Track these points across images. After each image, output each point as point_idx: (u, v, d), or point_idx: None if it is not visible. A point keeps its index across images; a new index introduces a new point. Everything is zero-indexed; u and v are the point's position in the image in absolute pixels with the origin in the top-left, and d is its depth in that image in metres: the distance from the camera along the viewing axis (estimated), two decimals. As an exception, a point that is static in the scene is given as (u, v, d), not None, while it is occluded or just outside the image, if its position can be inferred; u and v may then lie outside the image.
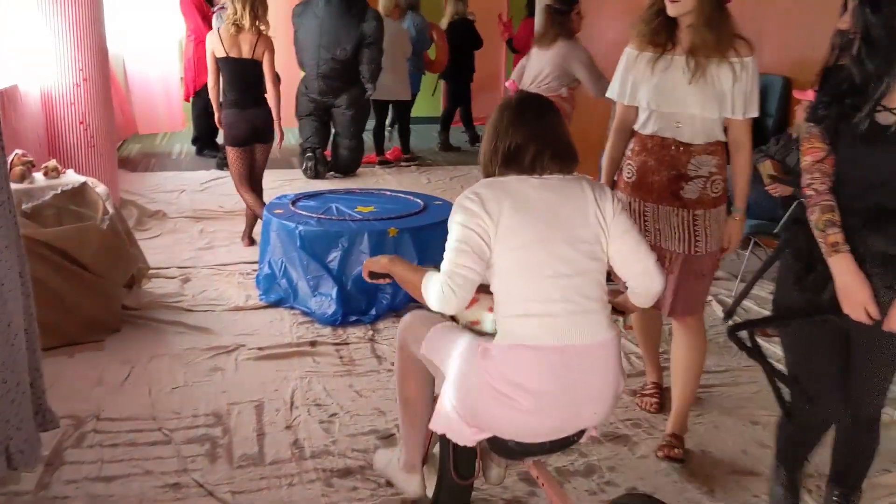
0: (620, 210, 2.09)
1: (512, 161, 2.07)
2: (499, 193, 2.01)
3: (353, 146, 7.70)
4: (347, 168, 7.77)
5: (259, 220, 5.12)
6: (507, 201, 2.00)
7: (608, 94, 2.98)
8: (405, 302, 4.19)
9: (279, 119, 5.16)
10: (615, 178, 3.01)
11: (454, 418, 2.07)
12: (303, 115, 7.76)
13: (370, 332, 4.02)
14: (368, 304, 4.18)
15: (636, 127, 2.90)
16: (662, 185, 2.82)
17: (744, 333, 2.15)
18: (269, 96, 5.10)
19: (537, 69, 4.98)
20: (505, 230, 1.98)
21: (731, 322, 2.33)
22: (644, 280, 2.10)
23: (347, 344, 3.89)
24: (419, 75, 8.94)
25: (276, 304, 4.32)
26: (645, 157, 2.86)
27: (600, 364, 2.01)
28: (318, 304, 4.15)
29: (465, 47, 9.06)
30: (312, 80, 7.47)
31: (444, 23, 9.15)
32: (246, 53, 4.98)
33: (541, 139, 2.06)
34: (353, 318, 4.12)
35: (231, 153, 5.17)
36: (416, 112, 8.99)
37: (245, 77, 5.05)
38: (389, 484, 2.67)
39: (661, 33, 2.75)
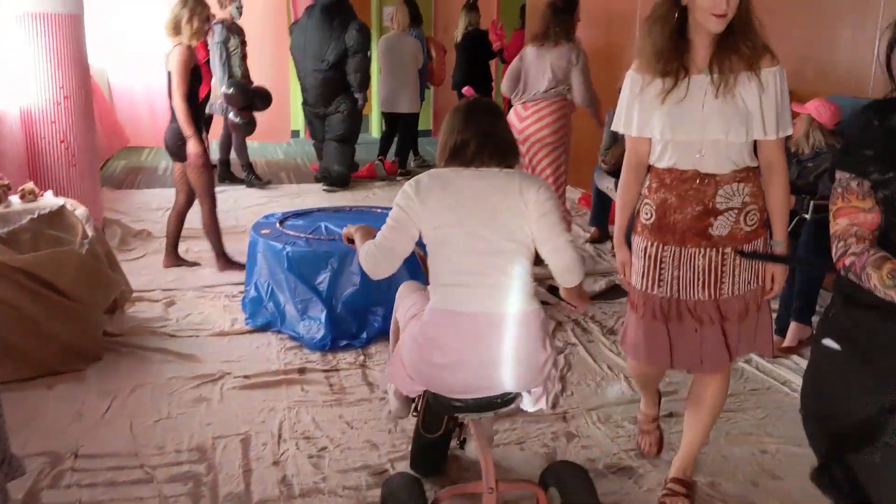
0: (546, 198, 2.30)
1: (457, 155, 2.37)
2: (434, 182, 2.34)
3: (338, 153, 7.63)
4: (334, 174, 7.68)
5: (221, 240, 5.14)
6: (439, 188, 2.32)
7: (614, 128, 2.65)
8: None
9: (189, 132, 4.71)
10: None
11: (399, 368, 2.40)
12: (315, 138, 7.96)
13: (361, 358, 3.87)
14: (359, 328, 4.03)
15: (651, 160, 2.53)
16: (687, 223, 2.46)
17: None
18: (176, 111, 4.73)
19: (540, 71, 4.82)
20: (432, 212, 2.30)
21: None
22: (554, 257, 2.33)
23: (337, 370, 3.74)
24: (423, 89, 8.88)
25: (262, 328, 4.17)
26: (664, 194, 2.49)
27: (514, 333, 2.26)
28: (307, 328, 4.00)
29: (481, 58, 8.95)
30: (305, 92, 7.69)
31: (458, 34, 9.05)
32: (166, 65, 4.80)
33: (483, 138, 2.36)
34: (343, 342, 3.97)
35: None
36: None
37: (168, 89, 4.81)
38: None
39: (672, 60, 2.38)
